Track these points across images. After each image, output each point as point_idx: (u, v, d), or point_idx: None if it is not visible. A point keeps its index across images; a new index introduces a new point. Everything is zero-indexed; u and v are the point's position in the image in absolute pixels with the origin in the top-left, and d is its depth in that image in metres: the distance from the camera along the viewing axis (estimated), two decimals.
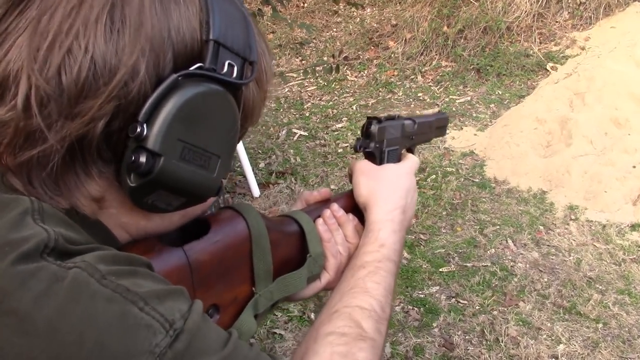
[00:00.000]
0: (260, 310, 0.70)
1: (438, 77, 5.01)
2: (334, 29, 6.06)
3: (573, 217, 3.09)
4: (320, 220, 0.82)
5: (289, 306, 2.43)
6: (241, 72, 0.56)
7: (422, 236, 2.98)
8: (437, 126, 1.06)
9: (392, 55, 5.31)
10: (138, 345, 0.43)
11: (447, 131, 1.11)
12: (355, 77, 5.24)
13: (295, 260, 0.77)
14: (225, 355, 0.48)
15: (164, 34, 0.51)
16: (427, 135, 1.04)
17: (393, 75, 5.14)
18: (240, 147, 3.16)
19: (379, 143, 0.90)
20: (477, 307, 2.48)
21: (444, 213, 3.17)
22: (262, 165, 3.72)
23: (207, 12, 0.54)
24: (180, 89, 0.51)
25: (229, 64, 0.55)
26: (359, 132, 4.31)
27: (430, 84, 4.97)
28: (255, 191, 3.30)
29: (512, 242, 2.91)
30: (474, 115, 4.34)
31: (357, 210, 0.86)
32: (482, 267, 2.73)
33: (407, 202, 0.85)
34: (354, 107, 4.65)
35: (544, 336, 2.32)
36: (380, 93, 4.93)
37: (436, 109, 4.49)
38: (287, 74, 5.00)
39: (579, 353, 2.23)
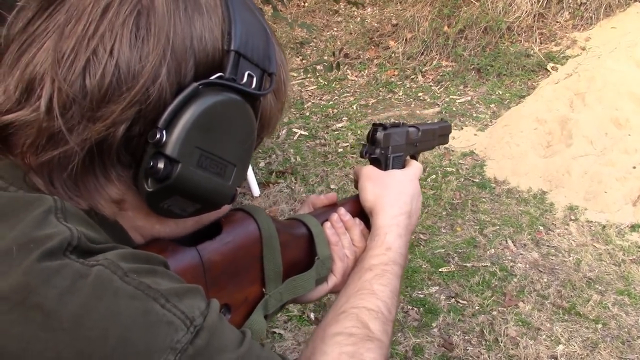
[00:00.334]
0: (270, 311, 0.71)
1: (438, 77, 5.01)
2: (335, 29, 6.06)
3: (573, 217, 3.09)
4: (327, 224, 0.83)
5: (288, 306, 2.43)
6: (260, 83, 0.57)
7: (422, 236, 2.98)
8: (440, 134, 1.09)
9: (393, 54, 5.31)
10: (160, 341, 0.44)
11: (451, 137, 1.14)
12: (356, 76, 5.24)
13: (304, 262, 0.78)
14: (241, 353, 0.49)
15: (187, 43, 0.52)
16: (430, 143, 1.06)
17: (393, 74, 5.15)
18: None
19: (384, 149, 0.93)
20: (476, 307, 2.48)
21: (444, 213, 3.18)
22: (262, 164, 3.72)
23: (229, 23, 0.55)
24: (200, 97, 0.52)
25: (248, 74, 0.56)
26: (359, 132, 4.31)
27: (430, 83, 4.97)
28: (255, 190, 3.30)
29: (512, 242, 2.92)
30: (474, 115, 4.34)
31: (363, 214, 0.87)
32: (481, 267, 2.73)
33: (412, 207, 0.87)
34: (354, 107, 4.66)
35: (544, 336, 2.32)
36: (381, 93, 4.93)
37: (437, 109, 4.49)
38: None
39: (578, 353, 2.24)
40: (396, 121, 0.98)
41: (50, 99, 0.49)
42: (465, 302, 2.52)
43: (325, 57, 5.27)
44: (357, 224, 0.85)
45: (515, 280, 2.64)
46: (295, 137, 4.12)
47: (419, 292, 2.58)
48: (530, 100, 4.07)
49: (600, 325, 2.38)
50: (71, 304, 0.43)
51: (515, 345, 2.27)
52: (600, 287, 2.60)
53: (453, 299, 2.54)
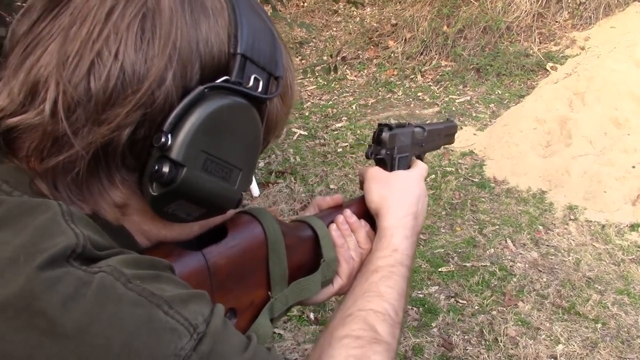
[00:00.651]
0: (275, 314, 0.71)
1: (438, 76, 5.01)
2: (334, 29, 6.06)
3: (572, 217, 3.09)
4: (333, 226, 0.83)
5: None
6: (266, 87, 0.57)
7: (421, 236, 2.98)
8: (446, 134, 1.08)
9: (392, 54, 5.31)
10: (164, 348, 0.44)
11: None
12: (355, 76, 5.24)
13: (309, 265, 0.78)
14: (247, 358, 0.49)
15: (193, 46, 0.52)
16: (435, 143, 1.06)
17: (393, 74, 5.15)
18: None
19: (390, 150, 0.92)
20: (476, 307, 2.48)
21: (444, 213, 3.18)
22: (261, 164, 3.71)
23: (235, 26, 0.54)
24: (205, 101, 0.52)
25: (254, 78, 0.55)
26: (358, 132, 4.31)
27: (429, 83, 4.97)
28: (255, 190, 3.30)
29: (512, 242, 2.92)
30: (474, 115, 4.34)
31: (368, 216, 0.87)
32: (481, 267, 2.73)
33: (418, 209, 0.87)
34: (354, 107, 4.66)
35: (543, 336, 2.32)
36: (380, 92, 4.93)
37: (436, 109, 4.49)
38: None
39: (577, 353, 2.24)
40: (402, 121, 0.97)
41: (55, 102, 0.48)
42: (464, 301, 2.52)
43: (325, 58, 5.27)
44: (362, 226, 0.85)
45: (514, 280, 2.64)
46: (295, 137, 4.12)
47: (419, 292, 2.58)
48: (529, 100, 4.07)
49: (599, 325, 2.38)
50: (74, 311, 0.43)
51: (515, 345, 2.27)
52: (599, 287, 2.60)
53: (452, 299, 2.54)
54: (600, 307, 2.47)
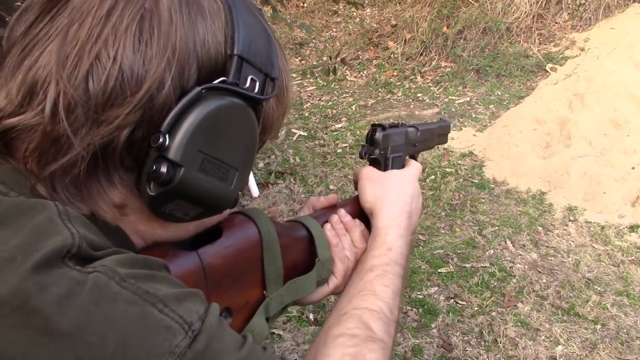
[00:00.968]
0: (271, 314, 0.71)
1: (437, 77, 5.01)
2: (334, 29, 6.07)
3: (572, 218, 3.09)
4: (328, 226, 0.83)
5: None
6: (262, 88, 0.57)
7: (421, 237, 2.98)
8: (439, 134, 1.09)
9: (392, 55, 5.31)
10: (159, 346, 0.44)
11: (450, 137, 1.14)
12: (355, 77, 5.24)
13: (304, 264, 0.78)
14: (242, 356, 0.49)
15: (190, 47, 0.52)
16: (429, 143, 1.06)
17: (392, 75, 5.15)
18: None
19: (383, 150, 0.92)
20: (475, 308, 2.48)
21: (443, 214, 3.18)
22: (261, 165, 3.71)
23: (232, 27, 0.55)
24: (203, 101, 0.52)
25: (251, 79, 0.56)
26: (358, 133, 4.31)
27: (429, 84, 4.97)
28: (255, 191, 3.30)
29: (511, 243, 2.92)
30: (473, 115, 4.34)
31: (363, 215, 0.87)
32: (480, 268, 2.73)
33: (412, 207, 0.87)
34: (354, 108, 4.66)
35: (543, 337, 2.32)
36: (380, 93, 4.93)
37: (436, 110, 4.49)
38: None
39: (577, 354, 2.24)
40: (395, 121, 0.98)
41: (55, 102, 0.49)
42: (464, 302, 2.52)
43: (325, 58, 5.27)
44: (357, 225, 0.85)
45: (514, 280, 2.64)
46: (295, 138, 4.12)
47: (418, 293, 2.58)
48: (529, 101, 4.07)
49: (599, 326, 2.38)
50: (70, 310, 0.43)
51: (515, 346, 2.27)
52: (599, 288, 2.60)
53: (452, 300, 2.54)
54: (599, 308, 2.47)
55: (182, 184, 0.52)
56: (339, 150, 3.92)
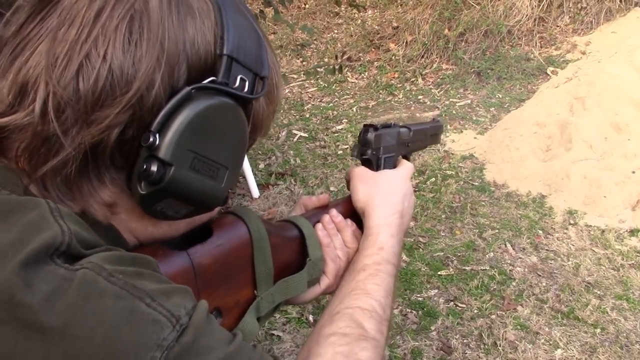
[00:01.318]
0: (262, 313, 0.71)
1: (438, 79, 5.01)
2: (335, 31, 6.07)
3: (572, 221, 3.09)
4: (319, 225, 0.83)
5: (287, 308, 2.43)
6: (252, 87, 0.58)
7: (421, 239, 2.98)
8: (432, 134, 1.09)
9: (393, 57, 5.31)
10: (146, 339, 0.45)
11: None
12: (356, 79, 5.25)
13: (296, 264, 0.78)
14: (230, 351, 0.49)
15: (180, 47, 0.53)
16: (422, 143, 1.07)
17: (393, 77, 5.15)
18: None
19: (375, 150, 0.93)
20: (475, 311, 2.48)
21: (443, 216, 3.18)
22: (261, 166, 3.72)
23: (221, 27, 0.55)
24: (192, 101, 0.53)
25: (240, 78, 0.57)
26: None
27: (430, 86, 4.97)
28: (255, 192, 3.30)
29: (511, 246, 2.92)
30: (474, 118, 4.34)
31: (355, 215, 0.87)
32: (480, 271, 2.73)
33: (404, 207, 0.87)
34: (354, 109, 4.66)
35: (542, 341, 2.32)
36: (381, 95, 4.93)
37: (436, 112, 4.49)
38: (287, 75, 5.01)
39: (576, 358, 2.23)
40: (388, 121, 0.98)
41: (45, 102, 0.49)
42: (464, 305, 2.52)
43: (326, 60, 5.28)
44: (349, 225, 0.86)
45: (514, 284, 2.64)
46: (295, 139, 4.12)
47: (418, 295, 2.58)
48: (530, 104, 4.07)
49: (598, 330, 2.38)
50: (58, 304, 0.43)
51: (514, 349, 2.27)
52: (599, 292, 2.60)
53: (452, 303, 2.54)
54: (599, 312, 2.47)
55: (172, 182, 0.53)
56: (340, 152, 3.92)
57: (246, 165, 3.24)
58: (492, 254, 2.86)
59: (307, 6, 6.44)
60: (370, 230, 0.83)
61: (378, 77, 5.17)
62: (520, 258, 2.83)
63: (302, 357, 0.67)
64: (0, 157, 0.53)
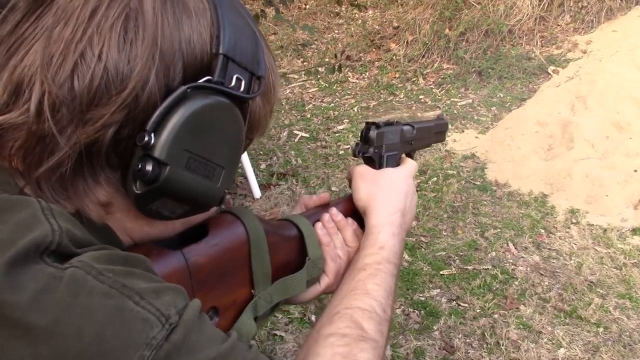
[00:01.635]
0: (259, 313, 0.71)
1: (439, 79, 5.01)
2: (336, 31, 6.07)
3: (574, 220, 3.09)
4: (319, 224, 0.82)
5: (289, 308, 2.42)
6: (248, 86, 0.58)
7: (423, 239, 2.98)
8: (436, 131, 1.07)
9: (394, 57, 5.31)
10: (135, 337, 0.45)
11: (448, 134, 1.12)
12: (357, 79, 5.24)
13: (295, 263, 0.78)
14: (223, 351, 0.49)
15: (175, 46, 0.52)
16: (426, 141, 1.05)
17: (394, 77, 5.15)
18: None
19: (377, 148, 0.91)
20: (477, 310, 2.47)
21: (445, 216, 3.17)
22: (263, 166, 3.72)
23: (217, 26, 0.55)
24: (188, 100, 0.52)
25: (237, 77, 0.56)
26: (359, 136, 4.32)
27: (431, 86, 4.97)
28: (256, 192, 3.30)
29: (513, 245, 2.91)
30: (476, 118, 4.34)
31: (356, 214, 0.86)
32: (483, 270, 2.72)
33: (406, 206, 0.86)
34: (355, 109, 4.66)
35: (545, 340, 2.32)
36: (382, 95, 4.93)
37: (437, 112, 4.49)
38: (288, 75, 5.01)
39: (579, 357, 2.23)
40: (390, 119, 0.97)
41: (40, 101, 0.49)
42: (466, 305, 2.51)
43: (327, 59, 5.27)
44: (349, 224, 0.85)
45: (516, 283, 2.64)
46: (296, 139, 4.12)
47: (420, 295, 2.57)
48: (531, 103, 4.07)
49: (601, 329, 2.37)
50: (46, 303, 0.43)
51: (517, 349, 2.26)
52: (601, 291, 2.59)
53: (454, 302, 2.53)
54: (602, 311, 2.47)
55: (167, 182, 0.52)
56: (341, 152, 3.92)
57: (247, 166, 3.24)
58: (494, 253, 2.85)
59: (307, 6, 6.44)
60: (371, 229, 0.82)
61: (379, 77, 5.17)
62: (522, 257, 2.83)
63: (301, 357, 0.66)
64: None
